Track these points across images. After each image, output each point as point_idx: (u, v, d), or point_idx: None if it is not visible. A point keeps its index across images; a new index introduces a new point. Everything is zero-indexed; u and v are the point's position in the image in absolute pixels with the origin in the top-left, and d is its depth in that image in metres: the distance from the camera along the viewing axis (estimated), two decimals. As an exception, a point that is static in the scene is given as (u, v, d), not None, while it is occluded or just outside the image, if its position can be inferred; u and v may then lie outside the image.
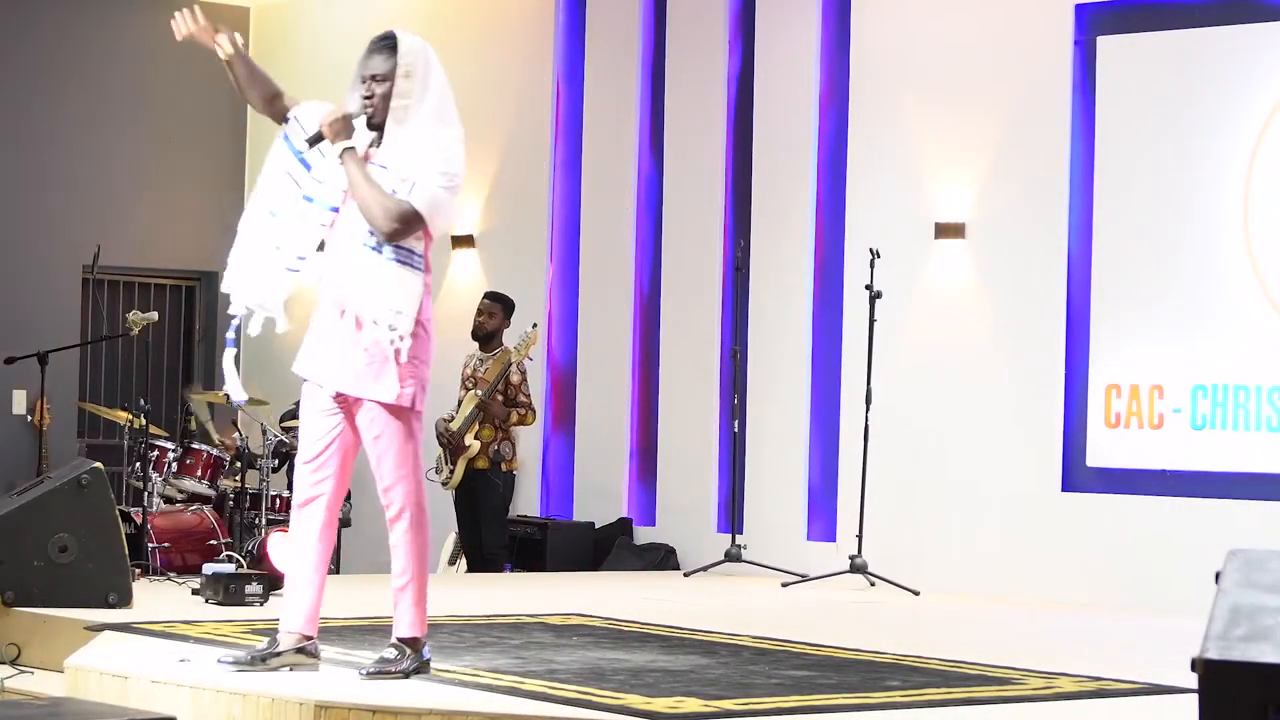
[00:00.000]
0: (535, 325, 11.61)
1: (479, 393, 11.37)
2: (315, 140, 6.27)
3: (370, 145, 6.27)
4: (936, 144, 11.03)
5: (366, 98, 6.23)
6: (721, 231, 12.07)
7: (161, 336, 14.18)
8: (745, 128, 12.01)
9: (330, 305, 6.28)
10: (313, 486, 6.34)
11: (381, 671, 6.23)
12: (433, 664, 6.39)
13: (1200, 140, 10.05)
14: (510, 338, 11.61)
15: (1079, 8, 10.52)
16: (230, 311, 6.39)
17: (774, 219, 11.79)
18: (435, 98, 6.22)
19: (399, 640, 6.30)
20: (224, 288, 6.41)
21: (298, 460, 6.42)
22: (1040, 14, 10.67)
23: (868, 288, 10.55)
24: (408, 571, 6.28)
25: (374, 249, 6.19)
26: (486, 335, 11.56)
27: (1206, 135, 10.03)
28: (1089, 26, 10.49)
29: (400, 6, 13.49)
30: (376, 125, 6.27)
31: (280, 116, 6.41)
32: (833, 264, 11.52)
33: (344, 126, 6.23)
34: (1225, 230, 9.94)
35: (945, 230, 10.94)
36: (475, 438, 11.38)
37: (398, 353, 6.16)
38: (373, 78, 6.23)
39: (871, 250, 10.59)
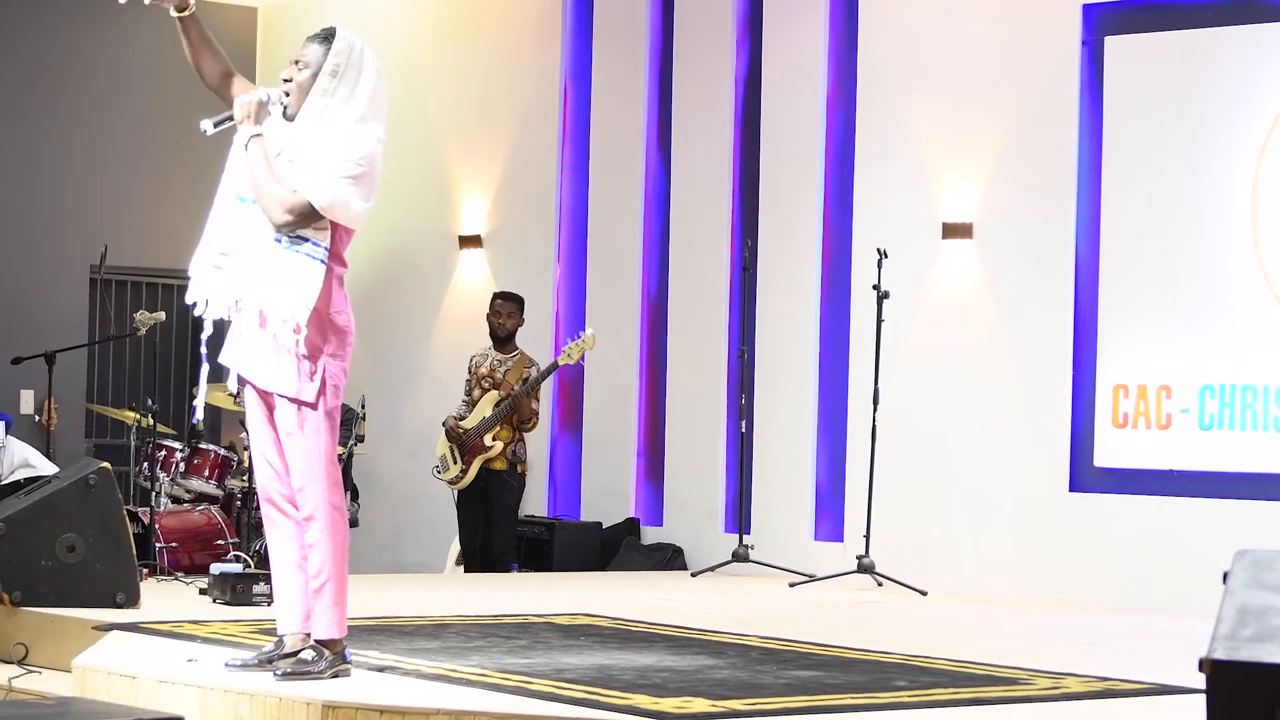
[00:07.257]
0: (592, 331, 11.42)
1: (501, 393, 11.33)
2: (223, 121, 6.18)
3: (283, 137, 6.14)
4: (944, 144, 11.02)
5: (286, 80, 6.15)
6: (729, 232, 12.07)
7: (169, 336, 14.18)
8: (753, 128, 12.00)
9: (244, 298, 6.19)
10: (266, 481, 6.30)
11: (298, 673, 6.11)
12: (432, 663, 6.35)
13: (1208, 140, 10.04)
14: (520, 338, 11.61)
15: (1087, 8, 10.51)
16: (188, 300, 6.22)
17: (781, 219, 11.79)
18: (361, 102, 6.12)
19: (317, 642, 6.18)
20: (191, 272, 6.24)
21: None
22: (1048, 14, 10.66)
23: (875, 288, 10.55)
24: (324, 572, 6.16)
25: (275, 240, 6.11)
26: (508, 335, 11.55)
27: (1215, 135, 10.02)
28: (1097, 26, 10.48)
29: (408, 7, 13.50)
30: (292, 116, 6.16)
31: (232, 100, 6.25)
32: (840, 264, 11.52)
33: (257, 111, 6.13)
34: (1233, 230, 9.94)
35: (953, 230, 10.94)
36: (495, 438, 11.36)
37: (297, 345, 6.06)
38: (296, 62, 6.16)
39: (879, 250, 10.58)
